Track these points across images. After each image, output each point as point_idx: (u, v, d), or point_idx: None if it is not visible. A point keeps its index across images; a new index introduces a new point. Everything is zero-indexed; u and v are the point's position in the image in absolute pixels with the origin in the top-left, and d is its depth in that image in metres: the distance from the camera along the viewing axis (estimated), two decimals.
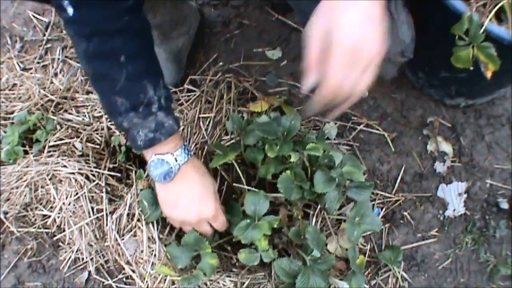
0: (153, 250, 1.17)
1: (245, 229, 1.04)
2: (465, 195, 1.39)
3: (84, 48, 0.77)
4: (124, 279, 1.25)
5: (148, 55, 0.85)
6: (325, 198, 1.09)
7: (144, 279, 1.17)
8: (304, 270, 1.02)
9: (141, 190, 1.19)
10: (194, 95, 1.42)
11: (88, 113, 1.41)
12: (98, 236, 1.24)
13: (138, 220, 1.19)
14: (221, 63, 1.56)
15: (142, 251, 1.18)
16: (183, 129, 1.33)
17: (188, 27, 1.49)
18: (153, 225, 1.18)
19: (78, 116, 1.41)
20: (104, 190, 1.27)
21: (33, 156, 1.34)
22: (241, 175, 1.16)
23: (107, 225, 1.22)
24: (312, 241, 1.03)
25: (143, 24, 0.84)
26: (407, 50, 1.01)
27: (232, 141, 1.29)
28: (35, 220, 1.32)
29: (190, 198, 0.98)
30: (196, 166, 1.00)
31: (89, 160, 1.32)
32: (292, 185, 1.08)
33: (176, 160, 0.93)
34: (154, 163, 0.93)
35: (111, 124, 1.37)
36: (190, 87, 1.46)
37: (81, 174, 1.28)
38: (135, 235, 1.19)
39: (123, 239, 1.20)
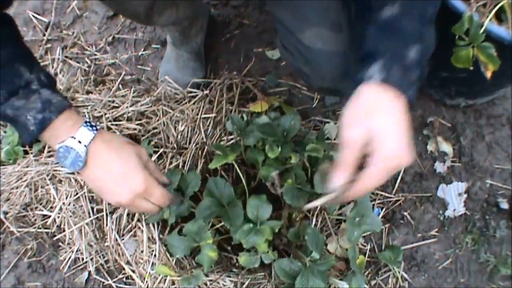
0: (153, 250, 1.17)
1: (247, 234, 1.03)
2: (465, 195, 1.39)
3: None
4: (124, 279, 1.25)
5: (15, 41, 0.80)
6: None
7: (144, 279, 1.17)
8: (304, 271, 1.02)
9: None
10: (197, 95, 1.42)
11: (88, 113, 1.41)
12: (98, 236, 1.24)
13: (138, 220, 1.19)
14: (222, 64, 1.56)
15: (142, 251, 1.18)
16: (183, 130, 1.33)
17: (203, 23, 1.50)
18: (153, 225, 1.18)
19: None
20: None
21: (33, 156, 1.34)
22: (241, 175, 1.16)
23: (107, 225, 1.22)
24: (311, 243, 1.03)
25: (3, 16, 0.79)
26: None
27: (232, 141, 1.29)
28: (35, 220, 1.32)
29: (111, 179, 0.84)
30: (106, 140, 0.84)
31: None
32: (298, 193, 1.07)
33: (80, 142, 0.81)
34: (60, 154, 0.81)
35: (112, 124, 1.37)
36: (190, 88, 1.46)
37: None
38: (135, 235, 1.20)
39: (123, 239, 1.20)
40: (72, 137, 0.80)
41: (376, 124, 0.70)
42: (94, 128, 0.82)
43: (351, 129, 0.72)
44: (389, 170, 0.71)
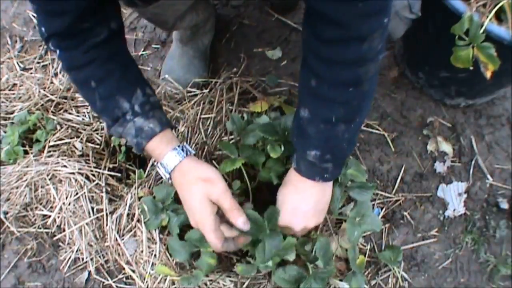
0: (153, 250, 1.17)
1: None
2: (465, 195, 1.39)
3: (70, 80, 0.97)
4: (124, 279, 1.25)
5: (119, 74, 0.93)
6: None
7: (144, 279, 1.17)
8: (307, 279, 1.02)
9: (141, 197, 1.19)
10: (197, 95, 1.42)
11: (88, 113, 1.41)
12: (98, 236, 1.24)
13: (138, 220, 1.19)
14: (222, 64, 1.56)
15: (142, 251, 1.17)
16: (183, 130, 1.33)
17: (212, 24, 1.52)
18: None
19: (78, 116, 1.41)
20: (104, 190, 1.27)
21: (33, 156, 1.34)
22: (246, 179, 1.16)
23: (107, 225, 1.22)
24: (319, 251, 1.04)
25: (114, 50, 0.93)
26: (414, 6, 1.05)
27: (232, 141, 1.29)
28: (35, 220, 1.32)
29: (185, 209, 0.99)
30: (183, 172, 0.94)
31: (89, 160, 1.32)
32: None
33: (165, 169, 0.95)
34: (156, 168, 1.03)
35: None
36: (191, 88, 1.46)
37: (81, 174, 1.28)
38: (135, 235, 1.19)
39: (123, 239, 1.20)
40: (160, 162, 0.95)
41: (279, 200, 1.02)
42: (181, 155, 0.94)
43: (283, 198, 1.02)
44: (302, 232, 1.04)
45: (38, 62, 1.62)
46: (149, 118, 0.93)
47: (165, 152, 0.94)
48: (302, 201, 0.99)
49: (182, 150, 0.94)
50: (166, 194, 1.12)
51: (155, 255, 1.16)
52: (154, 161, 1.02)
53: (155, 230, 1.17)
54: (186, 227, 1.10)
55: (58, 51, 0.89)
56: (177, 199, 1.13)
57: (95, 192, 1.26)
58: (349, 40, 0.74)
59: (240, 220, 0.93)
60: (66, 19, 0.83)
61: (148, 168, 1.29)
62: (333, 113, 0.84)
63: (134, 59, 1.00)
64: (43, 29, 0.87)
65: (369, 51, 0.76)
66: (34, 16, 1.71)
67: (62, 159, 1.30)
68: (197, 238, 1.05)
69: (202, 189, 0.92)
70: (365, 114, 0.90)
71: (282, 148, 1.09)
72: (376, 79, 0.86)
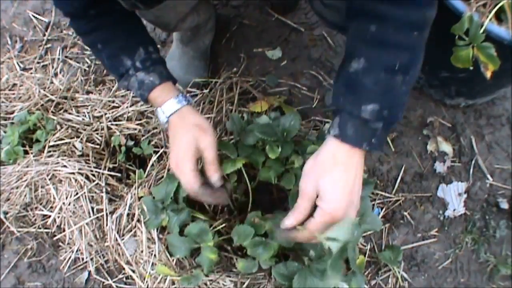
0: (152, 250, 1.17)
1: (255, 246, 1.04)
2: (465, 195, 1.39)
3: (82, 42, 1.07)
4: (124, 279, 1.25)
5: (123, 36, 1.02)
6: None
7: (144, 279, 1.17)
8: (301, 271, 1.02)
9: (141, 197, 1.19)
10: (197, 95, 1.42)
11: (88, 113, 1.41)
12: (98, 236, 1.24)
13: (138, 220, 1.19)
14: (222, 64, 1.56)
15: (142, 251, 1.17)
16: None
17: (213, 24, 1.52)
18: None
19: (78, 116, 1.41)
20: (104, 190, 1.27)
21: (33, 156, 1.34)
22: (247, 179, 1.16)
23: (107, 225, 1.22)
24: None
25: (118, 16, 1.01)
26: None
27: (232, 141, 1.29)
28: (35, 220, 1.32)
29: (172, 152, 1.03)
30: (181, 116, 1.02)
31: (89, 160, 1.32)
32: None
33: (164, 113, 1.02)
34: (156, 113, 1.06)
35: (111, 124, 1.37)
36: (191, 88, 1.46)
37: (81, 174, 1.28)
38: (135, 235, 1.19)
39: (123, 239, 1.20)
40: (160, 107, 1.02)
41: (323, 185, 0.83)
42: (181, 102, 1.02)
43: (306, 183, 0.86)
44: (327, 222, 0.85)
45: (38, 62, 1.62)
46: (149, 72, 1.02)
47: (166, 99, 1.02)
48: (349, 176, 0.84)
49: (184, 98, 1.03)
50: (165, 194, 1.13)
51: (154, 255, 1.16)
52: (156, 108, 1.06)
53: (154, 230, 1.17)
54: (186, 226, 1.11)
55: (69, 21, 1.04)
56: (176, 199, 1.14)
57: (95, 192, 1.26)
58: None
59: (215, 175, 1.00)
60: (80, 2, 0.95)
61: (148, 168, 1.29)
62: (397, 60, 0.78)
63: (140, 20, 1.08)
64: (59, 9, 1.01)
65: None
66: (34, 17, 1.71)
67: (62, 159, 1.30)
68: (196, 232, 1.05)
69: (194, 134, 0.99)
70: (419, 67, 0.84)
71: (280, 149, 1.09)
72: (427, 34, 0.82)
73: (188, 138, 0.99)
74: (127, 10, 0.96)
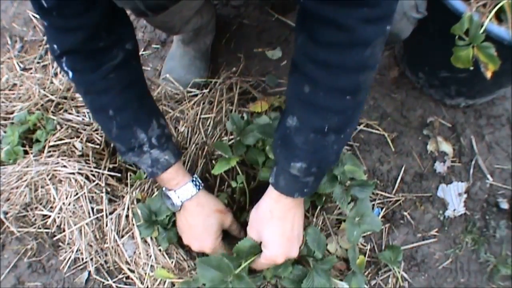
0: (149, 253, 1.17)
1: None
2: (465, 195, 1.39)
3: (85, 103, 0.99)
4: (124, 279, 1.25)
5: (136, 104, 0.95)
6: (333, 197, 1.09)
7: (144, 280, 1.17)
8: (309, 273, 1.02)
9: (138, 200, 1.19)
10: (197, 95, 1.42)
11: (88, 113, 1.41)
12: (98, 237, 1.24)
13: (133, 224, 1.19)
14: (222, 64, 1.56)
15: (140, 253, 1.18)
16: (183, 130, 1.33)
17: (213, 24, 1.52)
18: None
19: (78, 116, 1.41)
20: (104, 190, 1.27)
21: (33, 156, 1.34)
22: (243, 179, 1.16)
23: (106, 225, 1.22)
24: (313, 243, 1.04)
25: (131, 76, 0.94)
26: (421, 6, 1.04)
27: (232, 141, 1.29)
28: (35, 220, 1.32)
29: (190, 233, 1.09)
30: (200, 204, 1.06)
31: (89, 160, 1.32)
32: None
33: (179, 197, 1.04)
34: (164, 196, 1.09)
35: None
36: (191, 88, 1.46)
37: (81, 174, 1.28)
38: (133, 237, 1.19)
39: (122, 240, 1.20)
40: (174, 191, 1.04)
41: (264, 235, 0.95)
42: (196, 189, 1.05)
43: (251, 233, 0.99)
44: (270, 264, 0.99)
45: (38, 62, 1.62)
46: (164, 150, 1.00)
47: (183, 183, 1.04)
48: (285, 226, 0.94)
49: (198, 182, 1.06)
50: (159, 209, 1.14)
51: (151, 258, 1.16)
52: (163, 188, 1.08)
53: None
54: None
55: (71, 73, 0.87)
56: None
57: (95, 192, 1.26)
58: (351, 45, 0.70)
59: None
60: (79, 35, 0.81)
61: None
62: (326, 122, 0.79)
63: (147, 86, 1.02)
64: (55, 46, 0.84)
65: (371, 57, 0.72)
66: (34, 17, 1.71)
67: (62, 159, 1.30)
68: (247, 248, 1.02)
69: (218, 219, 1.08)
70: (355, 126, 0.88)
71: None
72: (368, 91, 0.83)
73: (211, 222, 1.07)
74: (138, 64, 0.96)
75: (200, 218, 1.06)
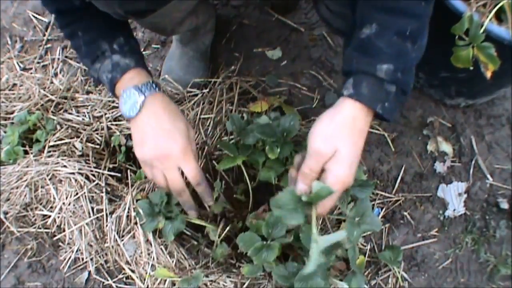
0: (151, 252, 1.17)
1: (260, 250, 1.03)
2: (465, 195, 1.39)
3: (64, 36, 1.06)
4: (124, 279, 1.25)
5: (103, 25, 0.98)
6: None
7: (144, 279, 1.17)
8: (302, 270, 1.02)
9: (138, 200, 1.19)
10: (196, 95, 1.42)
11: (88, 113, 1.41)
12: (98, 236, 1.24)
13: (136, 223, 1.19)
14: (222, 64, 1.56)
15: (141, 253, 1.18)
16: None
17: (212, 24, 1.52)
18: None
19: (78, 116, 1.41)
20: (104, 190, 1.27)
21: (33, 156, 1.34)
22: (247, 178, 1.16)
23: (107, 225, 1.22)
24: (306, 240, 1.03)
25: (92, 10, 0.96)
26: None
27: (232, 141, 1.29)
28: (35, 220, 1.32)
29: (156, 133, 0.93)
30: (165, 101, 0.96)
31: (89, 160, 1.32)
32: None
33: (141, 91, 0.93)
34: (122, 98, 0.94)
35: (111, 124, 1.37)
36: (191, 88, 1.46)
37: (81, 174, 1.28)
38: (134, 237, 1.19)
39: (122, 240, 1.20)
40: (136, 86, 0.93)
41: (343, 148, 0.82)
42: (157, 88, 0.96)
43: (325, 144, 0.83)
44: (340, 186, 0.84)
45: (38, 62, 1.62)
46: (125, 55, 0.97)
47: (146, 80, 0.95)
48: (360, 143, 0.84)
49: (156, 84, 0.97)
50: (160, 199, 1.13)
51: (153, 257, 1.16)
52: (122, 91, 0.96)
53: (150, 233, 1.17)
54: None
55: (53, 15, 1.02)
56: (168, 204, 1.14)
57: (95, 192, 1.26)
58: None
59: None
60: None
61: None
62: (407, 25, 0.80)
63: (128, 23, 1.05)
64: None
65: None
66: (34, 16, 1.71)
67: (62, 159, 1.30)
68: None
69: (186, 124, 0.97)
70: (425, 41, 0.85)
71: (279, 149, 1.09)
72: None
73: (179, 123, 0.95)
74: None
75: (166, 114, 0.94)
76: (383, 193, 1.38)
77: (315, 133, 0.85)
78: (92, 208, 1.25)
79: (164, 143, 0.92)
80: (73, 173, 1.27)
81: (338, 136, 0.83)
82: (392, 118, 0.85)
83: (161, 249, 1.17)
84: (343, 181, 0.84)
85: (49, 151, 1.34)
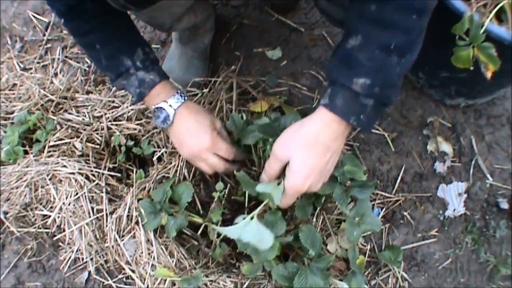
0: (152, 252, 1.17)
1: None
2: (465, 195, 1.39)
3: (76, 43, 1.13)
4: (124, 279, 1.25)
5: (120, 36, 1.05)
6: (333, 198, 1.09)
7: (144, 279, 1.17)
8: (301, 270, 1.02)
9: (140, 199, 1.20)
10: (196, 95, 1.42)
11: (88, 113, 1.41)
12: (98, 236, 1.24)
13: (137, 222, 1.19)
14: (222, 64, 1.56)
15: (142, 252, 1.18)
16: None
17: (211, 23, 1.52)
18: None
19: (78, 116, 1.41)
20: (104, 190, 1.27)
21: (33, 156, 1.34)
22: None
23: (107, 225, 1.22)
24: (306, 240, 1.03)
25: (113, 15, 1.01)
26: None
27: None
28: (35, 220, 1.32)
29: (187, 136, 1.09)
30: (190, 107, 1.10)
31: (89, 160, 1.32)
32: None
33: (171, 106, 1.07)
34: (154, 113, 1.09)
35: (111, 124, 1.37)
36: (191, 88, 1.45)
37: (81, 174, 1.28)
38: (134, 236, 1.19)
39: (123, 239, 1.20)
40: (165, 101, 1.07)
41: (295, 159, 0.88)
42: (184, 97, 1.09)
43: (282, 149, 0.91)
44: (292, 192, 0.92)
45: (38, 62, 1.62)
46: (149, 71, 1.06)
47: (172, 94, 1.08)
48: (324, 157, 0.88)
49: (182, 94, 1.10)
50: (162, 196, 1.14)
51: (153, 257, 1.16)
52: (153, 107, 1.10)
53: (151, 232, 1.17)
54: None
55: (62, 21, 1.03)
56: (171, 200, 1.14)
57: (95, 192, 1.26)
58: None
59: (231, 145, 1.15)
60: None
61: (150, 169, 1.29)
62: (392, 39, 0.78)
63: (133, 21, 1.10)
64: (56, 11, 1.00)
65: None
66: (34, 17, 1.71)
67: (62, 159, 1.30)
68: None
69: (209, 118, 1.11)
70: (415, 55, 0.84)
71: None
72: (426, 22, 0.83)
73: (202, 120, 1.09)
74: (119, 11, 0.97)
75: (191, 119, 1.09)
76: (383, 193, 1.38)
77: (281, 135, 0.93)
78: (92, 208, 1.25)
79: (194, 142, 1.09)
80: (73, 173, 1.27)
81: (295, 147, 0.89)
82: (369, 129, 0.88)
83: (161, 249, 1.17)
84: (296, 189, 0.91)
85: (49, 151, 1.34)
